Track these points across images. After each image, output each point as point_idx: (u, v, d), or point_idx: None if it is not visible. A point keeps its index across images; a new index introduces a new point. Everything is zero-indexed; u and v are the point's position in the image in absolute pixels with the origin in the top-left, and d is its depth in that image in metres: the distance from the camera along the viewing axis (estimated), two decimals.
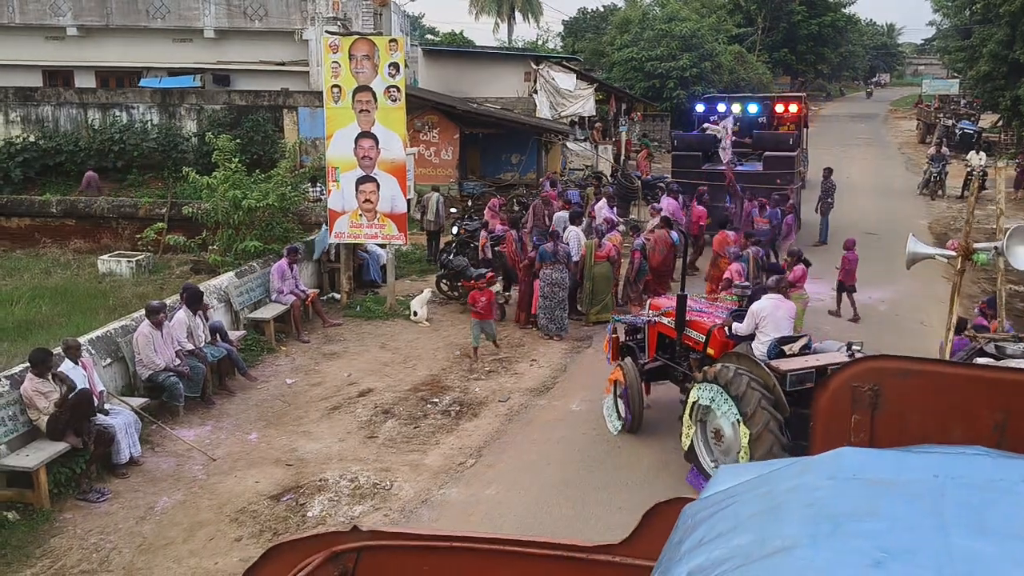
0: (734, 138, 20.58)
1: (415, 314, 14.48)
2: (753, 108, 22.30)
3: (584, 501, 8.57)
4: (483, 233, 16.46)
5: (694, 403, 8.79)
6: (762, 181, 18.96)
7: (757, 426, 7.95)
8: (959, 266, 7.26)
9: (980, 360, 8.12)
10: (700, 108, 22.93)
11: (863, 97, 72.97)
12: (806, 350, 8.90)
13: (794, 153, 20.04)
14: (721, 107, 22.09)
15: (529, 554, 2.04)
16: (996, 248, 7.38)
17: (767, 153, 19.82)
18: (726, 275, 12.92)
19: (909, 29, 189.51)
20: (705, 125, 21.60)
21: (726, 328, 9.58)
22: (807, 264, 13.21)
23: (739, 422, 8.11)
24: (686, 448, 8.96)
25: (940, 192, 27.32)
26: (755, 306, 9.29)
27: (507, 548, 2.06)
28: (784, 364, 8.47)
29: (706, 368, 8.89)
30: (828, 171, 20.55)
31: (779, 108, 22.51)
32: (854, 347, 8.78)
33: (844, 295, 14.78)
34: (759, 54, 57.37)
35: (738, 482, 1.45)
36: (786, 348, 8.86)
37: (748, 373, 8.23)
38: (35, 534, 7.95)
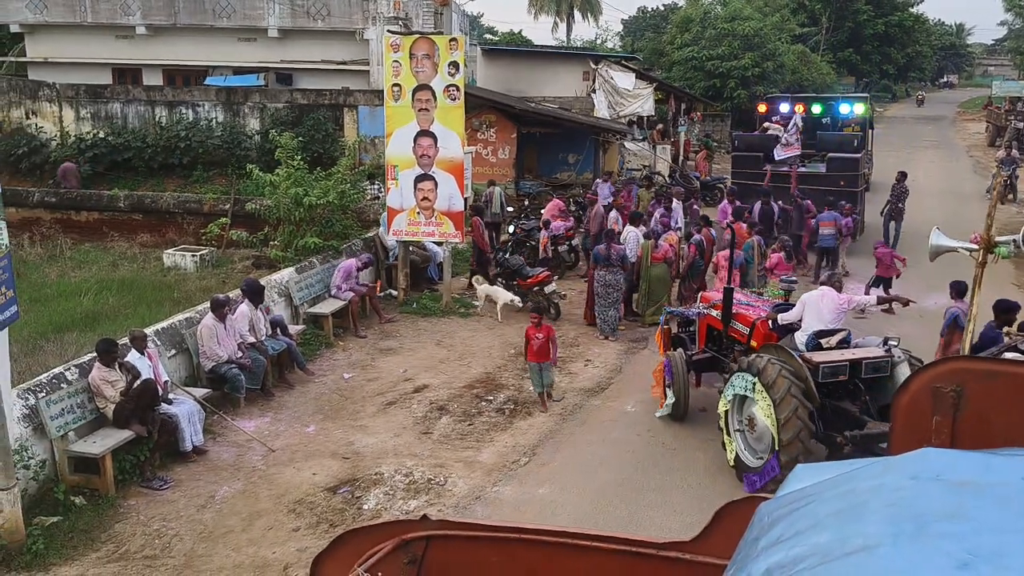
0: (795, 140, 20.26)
1: (497, 305, 14.58)
2: (817, 108, 21.88)
3: (639, 503, 8.51)
4: (543, 232, 16.47)
5: (732, 396, 9.04)
6: (825, 183, 18.61)
7: (786, 413, 8.17)
8: (981, 259, 7.14)
9: (1008, 356, 8.04)
10: (762, 108, 22.60)
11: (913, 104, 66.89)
12: (844, 344, 9.09)
13: (859, 155, 19.63)
14: (784, 107, 21.73)
15: (598, 548, 2.03)
16: (1015, 241, 7.31)
17: (830, 155, 19.45)
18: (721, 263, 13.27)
19: (979, 29, 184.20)
20: (767, 125, 21.28)
21: (770, 321, 9.83)
22: (789, 256, 13.37)
23: (770, 410, 8.31)
24: (732, 460, 9.06)
25: (1011, 196, 26.50)
26: (804, 296, 9.67)
27: (575, 542, 2.05)
28: (818, 356, 8.70)
29: (742, 357, 9.18)
30: (902, 175, 19.85)
31: (843, 109, 22.05)
32: (891, 342, 8.92)
33: (882, 289, 14.57)
34: (823, 54, 56.32)
35: (815, 481, 1.42)
36: (823, 341, 9.08)
37: (781, 363, 8.45)
38: (100, 519, 8.17)
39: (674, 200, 17.76)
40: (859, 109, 21.80)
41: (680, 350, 10.80)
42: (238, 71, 25.84)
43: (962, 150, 41.25)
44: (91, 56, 26.51)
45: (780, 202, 17.81)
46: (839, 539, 1.21)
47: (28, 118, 23.22)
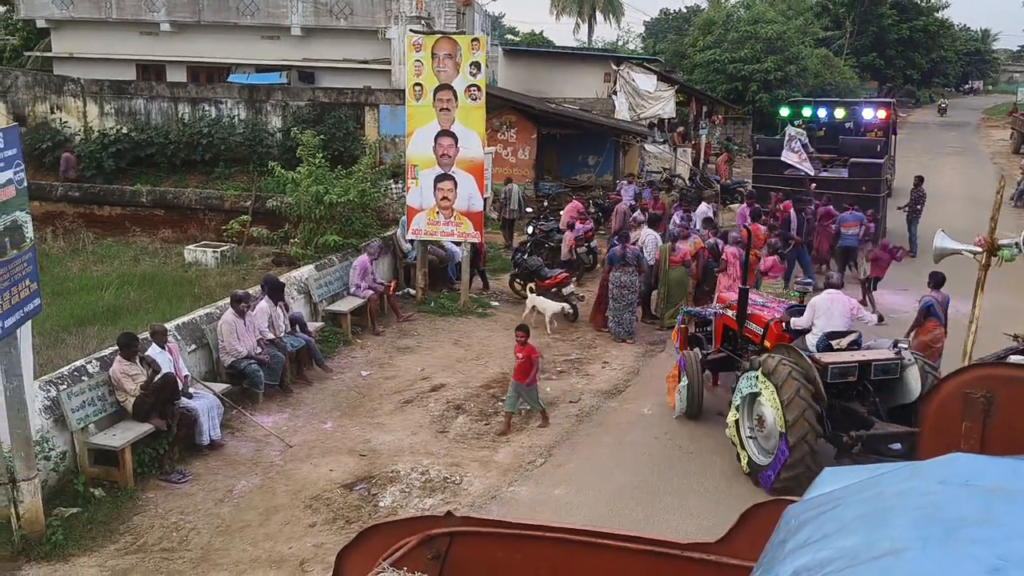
0: (812, 152, 20.07)
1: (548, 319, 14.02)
2: (839, 113, 21.74)
3: (655, 506, 8.48)
4: (569, 234, 16.44)
5: (741, 400, 9.13)
6: (847, 188, 18.49)
7: (793, 413, 8.24)
8: (984, 261, 7.15)
9: (1014, 359, 8.10)
10: (785, 112, 22.48)
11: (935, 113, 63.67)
12: (854, 346, 9.16)
13: (881, 160, 19.49)
14: (807, 111, 21.60)
15: (621, 548, 2.03)
16: (1017, 244, 7.31)
17: (852, 160, 19.32)
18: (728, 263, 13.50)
19: (1005, 35, 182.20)
20: (788, 129, 21.17)
21: (783, 323, 9.98)
22: (782, 258, 13.48)
23: (778, 409, 8.37)
24: (746, 467, 9.07)
25: None
26: (814, 300, 9.82)
27: (598, 541, 2.05)
28: (827, 357, 8.78)
29: (753, 357, 9.31)
30: (919, 179, 19.85)
31: (866, 113, 21.90)
32: (900, 346, 9.02)
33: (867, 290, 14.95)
34: (846, 58, 55.93)
35: (842, 485, 1.41)
36: (834, 343, 9.17)
37: (791, 363, 8.53)
38: (119, 511, 8.24)
39: (703, 203, 17.72)
40: (882, 114, 21.66)
41: (696, 350, 10.95)
42: (261, 69, 26.00)
43: (986, 157, 40.84)
44: (115, 52, 26.77)
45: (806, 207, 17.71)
46: (867, 543, 1.21)
47: (53, 113, 23.47)
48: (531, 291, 14.46)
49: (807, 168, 18.99)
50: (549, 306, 14.03)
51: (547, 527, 2.11)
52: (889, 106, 22.62)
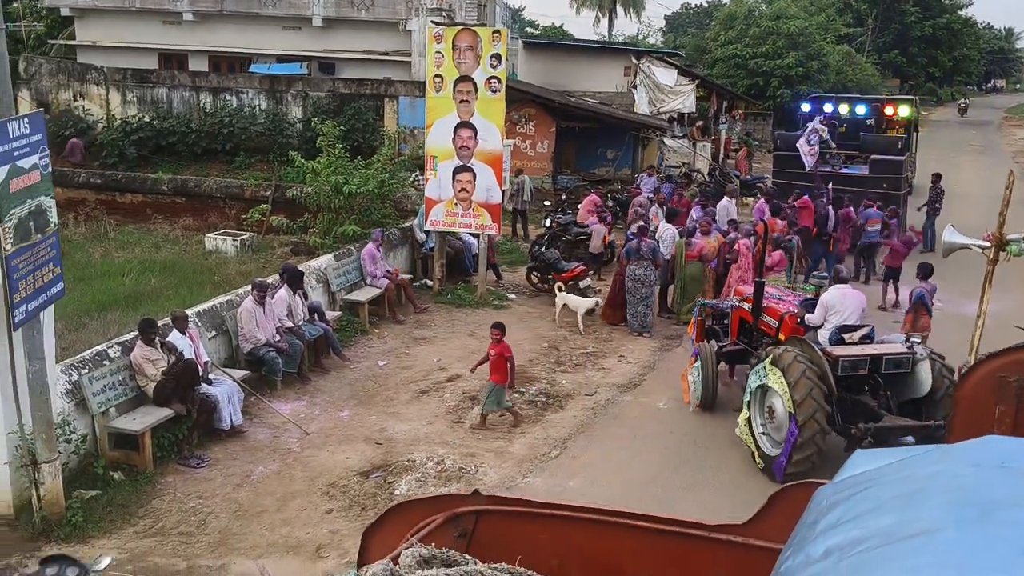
0: (834, 149, 19.93)
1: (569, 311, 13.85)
2: (861, 109, 21.60)
3: (670, 500, 8.48)
4: (602, 227, 16.41)
5: (750, 394, 9.21)
6: (867, 185, 18.37)
7: (800, 392, 8.33)
8: (992, 256, 7.16)
9: None
10: (806, 107, 22.35)
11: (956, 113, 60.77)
12: (867, 340, 9.23)
13: (902, 158, 19.36)
14: (828, 107, 21.47)
15: (648, 528, 2.04)
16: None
17: (873, 156, 19.19)
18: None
19: None
20: (810, 125, 21.04)
21: (798, 317, 10.07)
22: (787, 252, 13.53)
23: (786, 392, 8.45)
24: (760, 461, 9.08)
25: None
26: (824, 297, 9.93)
27: (625, 521, 2.06)
28: (838, 350, 8.87)
29: (766, 348, 9.45)
30: (936, 176, 19.76)
31: (888, 110, 21.74)
32: (912, 339, 9.16)
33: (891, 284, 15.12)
34: (868, 55, 55.50)
35: (874, 466, 1.42)
36: (846, 336, 9.25)
37: (801, 354, 8.61)
38: (138, 495, 8.33)
39: (725, 198, 17.64)
40: (904, 111, 21.50)
41: (712, 342, 11.06)
42: (282, 59, 26.07)
43: (1007, 156, 40.44)
44: (138, 41, 26.90)
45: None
46: (900, 522, 1.21)
47: (76, 100, 23.65)
48: (559, 289, 14.10)
49: (808, 163, 18.84)
50: (582, 303, 13.73)
51: (574, 507, 2.13)
52: (911, 103, 22.44)
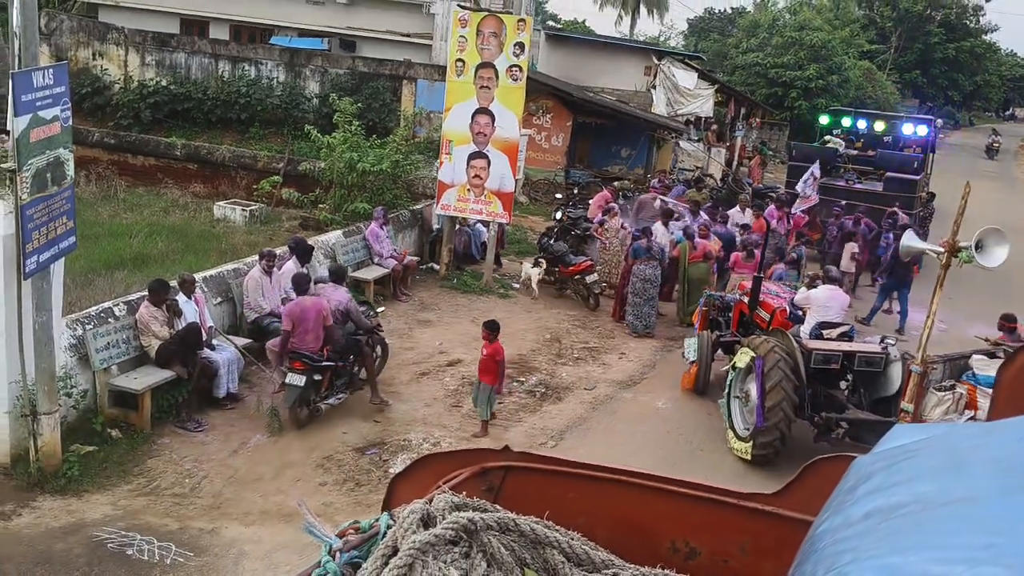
0: (853, 156, 19.87)
1: (527, 282, 14.96)
2: (879, 126, 21.55)
3: None
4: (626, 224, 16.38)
5: (736, 371, 9.76)
6: (881, 202, 18.32)
7: (772, 391, 8.85)
8: (944, 261, 7.53)
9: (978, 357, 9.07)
10: (824, 120, 22.29)
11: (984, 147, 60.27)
12: (845, 338, 9.83)
13: (918, 176, 19.32)
14: (846, 121, 21.41)
15: (675, 492, 2.05)
16: (971, 247, 7.64)
17: (888, 174, 19.15)
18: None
19: None
20: (827, 137, 21.01)
21: (788, 312, 10.84)
22: (751, 255, 13.59)
23: (761, 384, 8.98)
24: (732, 442, 9.61)
25: None
26: (814, 292, 10.82)
27: (653, 484, 2.07)
28: (813, 343, 9.51)
29: (747, 338, 10.11)
30: (931, 196, 19.88)
31: (906, 129, 21.69)
32: (887, 341, 9.66)
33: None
34: (889, 73, 55.34)
35: (914, 440, 1.43)
36: (825, 332, 9.90)
37: (779, 345, 9.18)
38: (134, 453, 8.36)
39: (736, 207, 17.59)
40: (922, 131, 21.44)
41: (714, 332, 11.68)
42: (303, 33, 26.00)
43: (1022, 183, 40.37)
44: (160, 4, 26.81)
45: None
46: (941, 489, 1.22)
47: (94, 59, 23.59)
48: (536, 263, 15.09)
49: (800, 206, 18.36)
50: (532, 271, 14.82)
51: (603, 467, 2.14)
52: (930, 123, 22.38)
